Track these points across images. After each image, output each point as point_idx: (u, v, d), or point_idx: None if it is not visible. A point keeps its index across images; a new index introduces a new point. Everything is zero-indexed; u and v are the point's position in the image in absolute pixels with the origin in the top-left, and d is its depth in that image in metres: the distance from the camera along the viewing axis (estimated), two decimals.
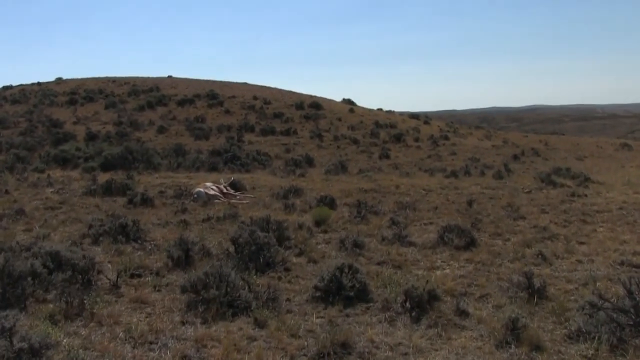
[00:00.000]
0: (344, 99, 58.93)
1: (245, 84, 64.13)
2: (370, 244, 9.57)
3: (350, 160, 29.06)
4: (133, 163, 20.30)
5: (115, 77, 64.09)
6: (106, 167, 20.36)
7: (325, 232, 10.64)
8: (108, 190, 14.39)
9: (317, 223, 11.04)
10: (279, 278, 7.93)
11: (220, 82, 63.02)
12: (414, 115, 55.77)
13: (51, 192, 14.42)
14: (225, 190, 14.69)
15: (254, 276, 7.73)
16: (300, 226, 10.45)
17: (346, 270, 7.12)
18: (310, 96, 54.71)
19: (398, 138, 37.30)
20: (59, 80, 65.17)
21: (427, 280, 7.12)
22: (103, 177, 17.07)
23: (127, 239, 9.57)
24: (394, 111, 58.63)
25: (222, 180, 15.37)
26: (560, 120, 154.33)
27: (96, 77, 65.15)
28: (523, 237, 10.31)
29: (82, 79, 64.84)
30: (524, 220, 11.90)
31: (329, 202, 13.01)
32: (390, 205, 13.43)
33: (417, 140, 37.85)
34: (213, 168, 20.33)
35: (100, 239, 9.61)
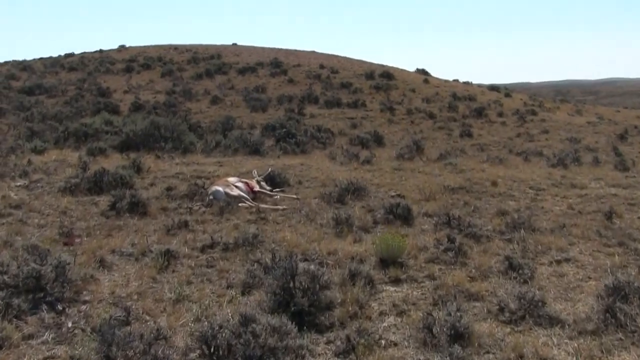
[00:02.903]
0: (417, 69, 53.82)
1: (313, 52, 59.75)
2: (480, 327, 5.13)
3: (426, 139, 24.47)
4: (159, 142, 16.35)
5: (177, 45, 60.78)
6: (127, 146, 16.50)
7: (397, 282, 6.28)
8: (97, 184, 10.42)
9: (384, 261, 6.69)
10: None
11: (286, 50, 58.79)
12: (494, 87, 50.18)
13: (17, 186, 10.56)
14: (257, 188, 10.50)
15: None
16: (354, 274, 6.08)
17: None
18: (382, 65, 49.98)
19: (479, 112, 32.43)
20: (121, 48, 62.35)
21: None
22: (107, 162, 13.15)
23: (35, 303, 5.48)
24: (471, 82, 53.19)
25: (254, 173, 11.18)
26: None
27: (158, 45, 62.00)
28: None
29: (144, 47, 61.81)
30: None
31: (403, 214, 8.64)
32: (492, 219, 8.98)
33: (500, 115, 32.88)
34: (255, 151, 16.13)
35: None
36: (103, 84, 39.95)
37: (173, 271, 6.55)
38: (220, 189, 9.74)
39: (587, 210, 9.63)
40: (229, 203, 9.39)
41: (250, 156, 15.49)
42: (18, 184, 10.72)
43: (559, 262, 6.93)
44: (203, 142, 17.67)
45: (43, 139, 17.91)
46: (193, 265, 6.72)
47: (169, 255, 6.77)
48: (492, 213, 9.36)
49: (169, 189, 10.50)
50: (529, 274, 6.26)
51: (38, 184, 10.87)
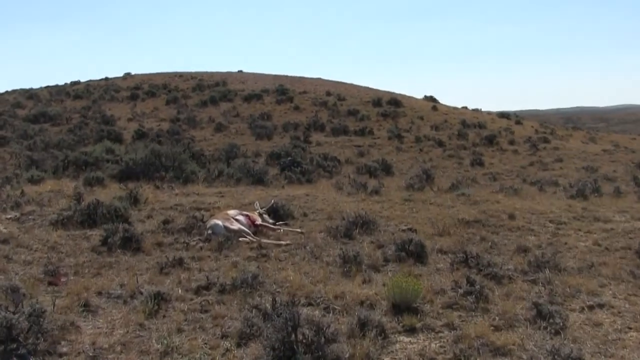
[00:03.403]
0: (425, 96, 53.38)
1: (320, 79, 59.49)
2: None
3: (436, 167, 23.87)
4: (160, 171, 15.79)
5: (182, 72, 60.66)
6: (127, 175, 15.94)
7: (412, 331, 5.61)
8: (90, 217, 9.82)
9: (397, 307, 6.02)
10: None
11: (292, 77, 58.52)
12: (504, 114, 49.57)
13: (7, 218, 9.96)
14: (259, 221, 9.87)
15: None
16: (364, 322, 5.42)
17: None
18: (389, 92, 49.61)
19: (490, 140, 31.87)
20: (126, 76, 62.29)
21: None
22: (104, 192, 12.58)
23: (6, 356, 4.85)
24: (480, 109, 52.66)
25: (256, 205, 10.55)
26: None
27: (163, 72, 61.89)
28: None
29: (149, 74, 61.73)
30: None
31: (416, 251, 7.99)
32: (512, 256, 8.32)
33: (512, 143, 32.30)
34: (258, 180, 15.52)
35: None
36: (107, 112, 39.68)
37: (163, 316, 5.91)
38: (220, 222, 9.12)
39: (615, 246, 8.95)
40: (229, 238, 8.75)
41: (253, 186, 14.89)
42: (9, 216, 10.13)
43: (591, 307, 6.25)
44: (205, 171, 17.10)
45: (41, 168, 17.40)
46: (186, 309, 6.07)
47: (159, 298, 6.12)
48: (512, 250, 8.69)
49: (165, 222, 9.88)
50: (561, 324, 5.58)
51: (30, 217, 10.28)
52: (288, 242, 8.98)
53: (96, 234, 9.01)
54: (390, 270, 7.53)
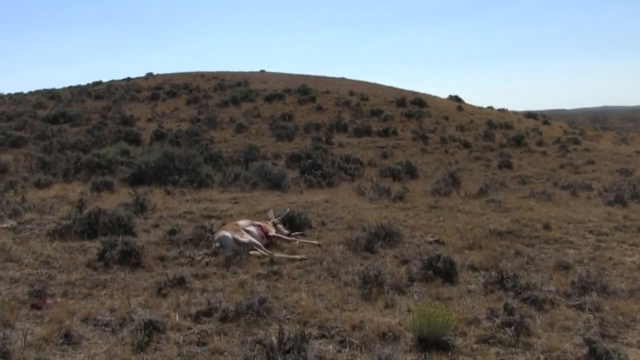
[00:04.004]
0: (450, 96, 52.25)
1: (343, 78, 58.62)
2: None
3: (462, 170, 22.94)
4: (173, 174, 15.08)
5: (204, 72, 60.14)
6: (139, 179, 15.29)
7: None
8: (91, 227, 9.11)
9: (424, 340, 5.19)
10: None
11: (315, 76, 57.70)
12: (531, 115, 48.23)
13: (3, 228, 9.28)
14: (273, 232, 9.08)
15: None
16: None
17: None
18: (413, 92, 48.54)
19: (518, 142, 30.69)
20: (148, 76, 61.94)
21: None
22: (112, 198, 11.89)
23: None
24: (507, 109, 51.39)
25: (270, 214, 9.76)
26: None
27: (185, 72, 61.45)
28: None
29: (171, 74, 61.28)
30: None
31: (445, 268, 7.15)
32: (552, 274, 7.45)
33: (540, 144, 31.10)
34: (275, 185, 14.73)
35: None
36: (127, 112, 39.14)
37: (155, 349, 5.14)
38: (229, 234, 8.35)
39: None
40: (238, 252, 7.98)
41: (269, 191, 14.12)
42: (5, 225, 9.47)
43: None
44: (221, 174, 16.38)
45: (52, 171, 16.80)
46: (181, 341, 5.29)
47: (151, 328, 5.35)
48: (551, 266, 7.81)
49: (172, 232, 9.12)
50: None
51: (27, 226, 9.60)
52: (303, 256, 8.18)
53: (95, 247, 8.27)
54: (415, 292, 6.71)
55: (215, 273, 7.39)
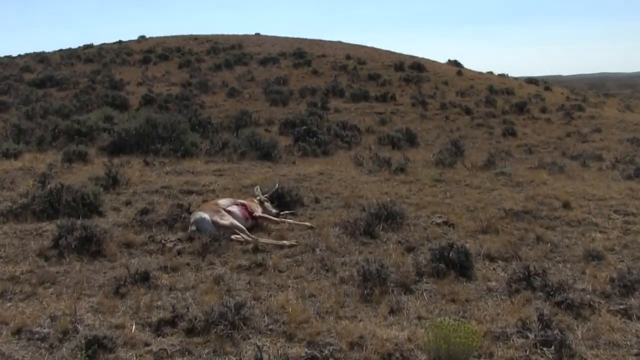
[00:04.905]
0: (449, 60, 50.73)
1: (339, 42, 56.95)
2: None
3: (465, 138, 21.85)
4: (155, 143, 13.88)
5: (197, 35, 58.40)
6: (120, 148, 14.09)
7: None
8: (52, 206, 7.97)
9: None
10: None
11: (311, 40, 56.05)
12: (532, 80, 46.87)
13: None
14: (259, 212, 7.96)
15: None
16: None
17: None
18: (412, 56, 46.99)
19: (521, 108, 29.55)
20: (140, 39, 60.21)
21: None
22: (84, 171, 10.74)
23: None
24: (507, 75, 49.97)
25: (257, 190, 8.61)
26: None
27: (178, 35, 59.69)
28: None
29: (164, 37, 59.53)
30: None
31: (459, 260, 6.03)
32: (583, 267, 6.35)
33: (544, 111, 29.93)
34: (266, 155, 13.53)
35: None
36: (117, 76, 37.80)
37: None
38: (207, 216, 7.22)
39: None
40: (216, 238, 6.85)
41: (259, 162, 12.92)
42: None
43: None
44: (208, 142, 15.18)
45: (26, 139, 15.60)
46: None
47: (97, 345, 4.24)
48: (579, 256, 6.71)
49: (144, 211, 7.98)
50: None
51: None
52: (293, 242, 7.07)
53: (52, 230, 7.12)
54: (425, 291, 5.60)
55: (188, 264, 6.27)
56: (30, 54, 55.81)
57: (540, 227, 7.96)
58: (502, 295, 5.48)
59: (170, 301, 5.13)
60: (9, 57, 54.98)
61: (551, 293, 5.31)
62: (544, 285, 5.46)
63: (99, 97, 29.47)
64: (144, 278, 5.62)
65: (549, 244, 7.12)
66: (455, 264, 6.03)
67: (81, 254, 6.41)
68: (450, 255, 6.09)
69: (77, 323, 4.62)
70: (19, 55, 55.55)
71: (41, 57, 49.91)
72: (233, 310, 4.71)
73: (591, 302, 5.23)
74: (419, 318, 4.89)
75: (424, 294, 5.52)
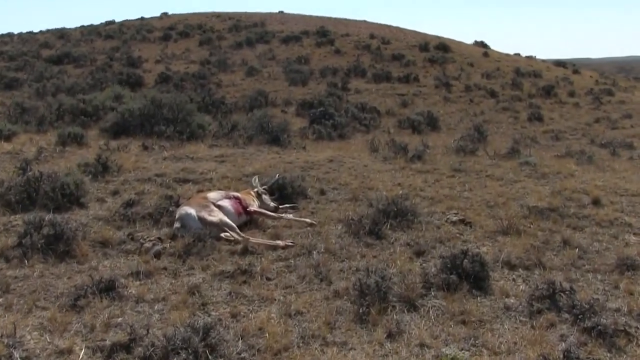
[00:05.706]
0: (475, 41, 49.36)
1: (364, 21, 55.79)
2: None
3: (489, 122, 20.88)
4: (159, 125, 13.18)
5: (220, 12, 57.60)
6: (122, 129, 13.43)
7: None
8: (29, 197, 7.29)
9: None
10: None
11: (335, 19, 54.93)
12: (560, 63, 45.36)
13: None
14: (254, 207, 7.21)
15: None
16: None
17: None
18: (437, 37, 45.73)
19: (548, 92, 28.34)
20: (162, 15, 59.66)
21: None
22: (79, 154, 10.06)
23: None
24: (534, 57, 48.51)
25: (255, 181, 7.86)
26: None
27: (200, 12, 59.00)
28: None
29: (186, 14, 58.89)
30: None
31: (473, 270, 5.22)
32: (616, 280, 5.52)
33: (572, 95, 28.70)
34: (274, 139, 12.73)
35: None
36: (136, 53, 37.15)
37: None
38: (193, 212, 6.47)
39: None
40: (201, 237, 6.10)
41: (267, 146, 12.14)
42: None
43: None
44: (217, 124, 14.45)
45: (27, 119, 14.97)
46: None
47: None
48: (611, 264, 5.87)
49: (129, 203, 7.27)
50: None
51: None
52: (288, 242, 6.30)
53: (21, 225, 6.41)
54: (432, 308, 4.81)
55: (165, 269, 5.54)
56: (51, 29, 55.46)
57: (567, 227, 7.11)
58: (521, 317, 4.68)
59: (133, 318, 4.40)
60: (30, 32, 54.68)
61: (579, 316, 4.49)
62: (572, 306, 4.64)
63: (114, 74, 28.88)
64: (108, 287, 4.89)
65: (577, 249, 6.28)
66: (468, 275, 5.23)
67: (47, 255, 5.69)
68: (464, 264, 5.28)
69: (15, 347, 3.90)
70: (40, 32, 55.23)
71: (61, 33, 49.50)
72: (200, 334, 3.96)
73: (627, 328, 4.41)
74: (421, 346, 4.11)
75: (430, 312, 4.74)
